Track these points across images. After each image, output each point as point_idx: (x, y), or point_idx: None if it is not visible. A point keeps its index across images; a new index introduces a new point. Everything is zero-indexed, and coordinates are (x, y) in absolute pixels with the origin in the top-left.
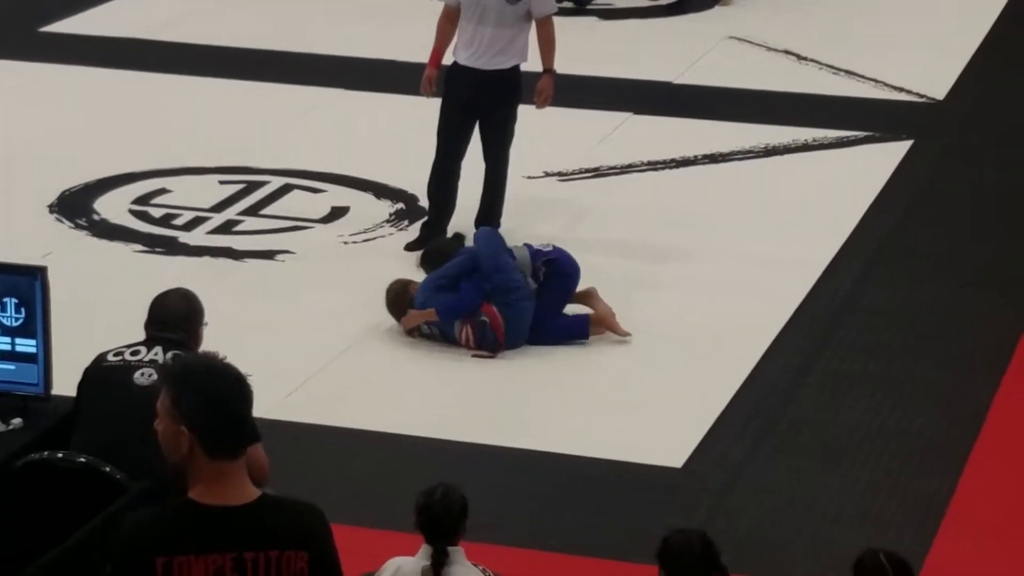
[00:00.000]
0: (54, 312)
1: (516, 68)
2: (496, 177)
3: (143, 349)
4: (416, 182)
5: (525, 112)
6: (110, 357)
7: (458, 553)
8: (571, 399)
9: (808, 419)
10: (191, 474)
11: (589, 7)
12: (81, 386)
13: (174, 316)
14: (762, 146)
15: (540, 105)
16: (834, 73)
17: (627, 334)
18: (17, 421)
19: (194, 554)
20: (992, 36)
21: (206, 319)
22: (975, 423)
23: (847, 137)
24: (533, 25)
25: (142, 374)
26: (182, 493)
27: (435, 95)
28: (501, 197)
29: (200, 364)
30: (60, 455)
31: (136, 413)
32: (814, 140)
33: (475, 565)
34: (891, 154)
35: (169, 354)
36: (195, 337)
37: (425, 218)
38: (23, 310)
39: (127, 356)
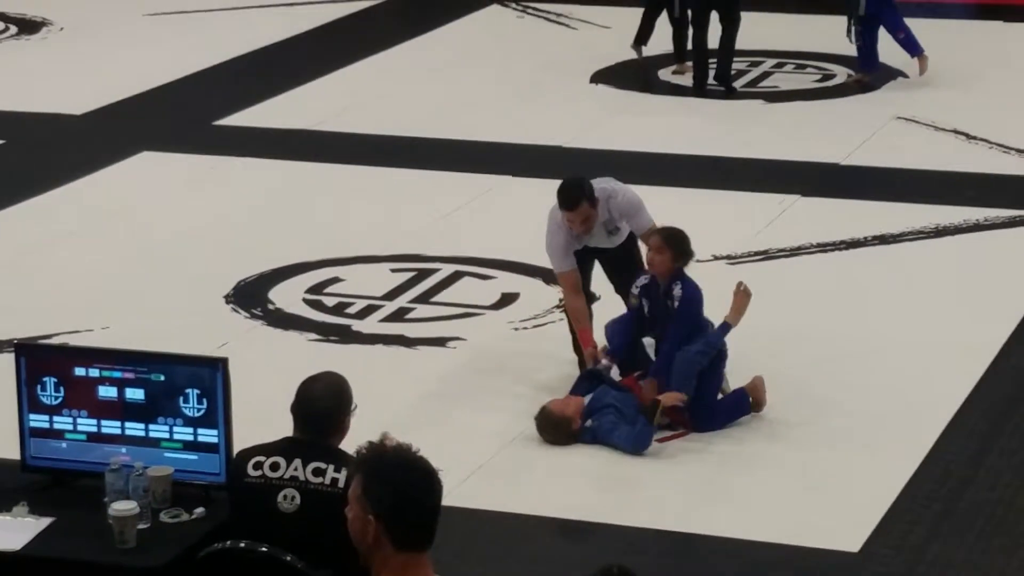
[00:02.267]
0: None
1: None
2: None
3: (282, 462)
4: None
5: (692, 195)
6: (251, 471)
7: None
8: (739, 482)
9: (987, 502)
10: (376, 563)
11: (754, 88)
12: (228, 489)
13: (319, 412)
14: (932, 226)
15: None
16: (1004, 152)
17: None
18: (200, 511)
19: None
20: None
21: (355, 404)
22: None
23: (1019, 216)
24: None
25: (284, 497)
26: None
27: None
28: None
29: (393, 456)
30: (242, 544)
31: (285, 537)
32: (985, 220)
33: None
34: None
35: (309, 467)
36: (341, 429)
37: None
38: (205, 400)
39: (267, 471)
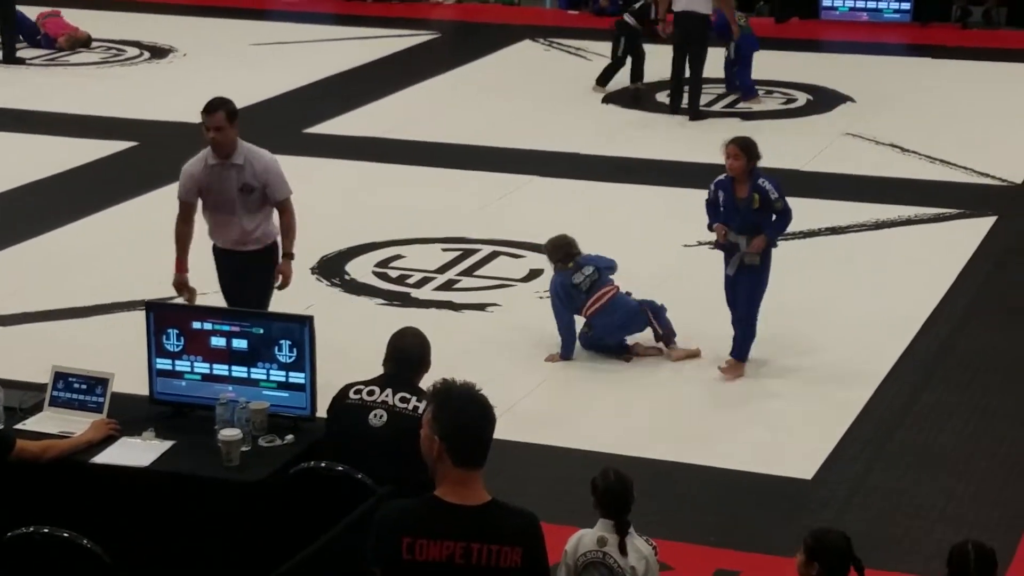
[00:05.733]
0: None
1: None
2: None
3: (377, 390)
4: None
5: (686, 193)
6: (351, 395)
7: (630, 526)
8: (714, 420)
9: (913, 441)
10: (438, 476)
11: (737, 109)
12: (329, 412)
13: (408, 354)
14: (873, 220)
15: (281, 287)
16: (931, 162)
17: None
18: (290, 437)
19: (433, 539)
20: None
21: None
22: None
23: (942, 213)
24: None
25: (375, 415)
26: (431, 489)
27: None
28: None
29: (458, 390)
30: (323, 465)
31: (371, 448)
32: (915, 216)
33: (641, 536)
34: (979, 227)
35: (397, 396)
36: (424, 367)
37: None
38: (295, 350)
39: (364, 396)
